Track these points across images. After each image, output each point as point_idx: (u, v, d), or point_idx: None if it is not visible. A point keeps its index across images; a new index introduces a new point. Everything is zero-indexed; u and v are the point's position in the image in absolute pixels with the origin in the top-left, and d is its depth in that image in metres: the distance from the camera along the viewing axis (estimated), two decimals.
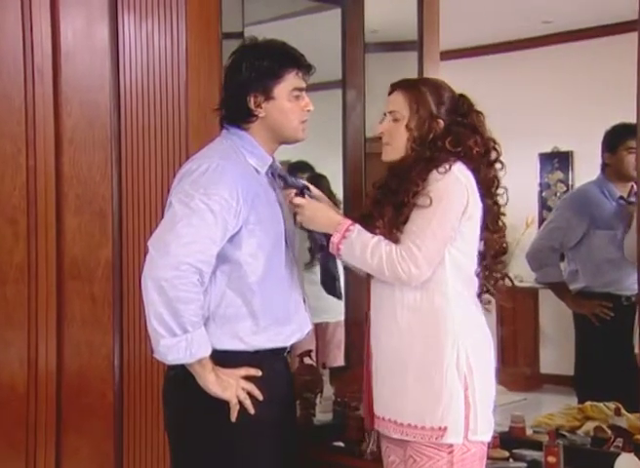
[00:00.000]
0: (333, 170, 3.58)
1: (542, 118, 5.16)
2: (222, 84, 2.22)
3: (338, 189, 3.62)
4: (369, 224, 2.12)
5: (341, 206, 3.29)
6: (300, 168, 3.55)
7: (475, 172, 2.06)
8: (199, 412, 2.05)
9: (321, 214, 2.12)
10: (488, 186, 2.10)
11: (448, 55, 3.55)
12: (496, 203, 2.11)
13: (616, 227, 3.65)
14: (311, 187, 2.22)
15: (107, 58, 2.88)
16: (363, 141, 3.23)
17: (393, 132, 2.13)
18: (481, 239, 2.09)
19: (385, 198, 2.09)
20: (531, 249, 3.70)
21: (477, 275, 2.12)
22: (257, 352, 2.08)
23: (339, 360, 3.56)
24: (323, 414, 3.01)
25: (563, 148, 5.25)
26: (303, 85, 2.14)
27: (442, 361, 2.01)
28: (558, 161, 5.46)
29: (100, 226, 2.89)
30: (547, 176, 5.50)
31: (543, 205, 5.45)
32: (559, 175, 5.50)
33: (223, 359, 2.03)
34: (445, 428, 1.99)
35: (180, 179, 2.06)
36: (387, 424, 2.09)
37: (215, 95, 2.72)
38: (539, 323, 5.13)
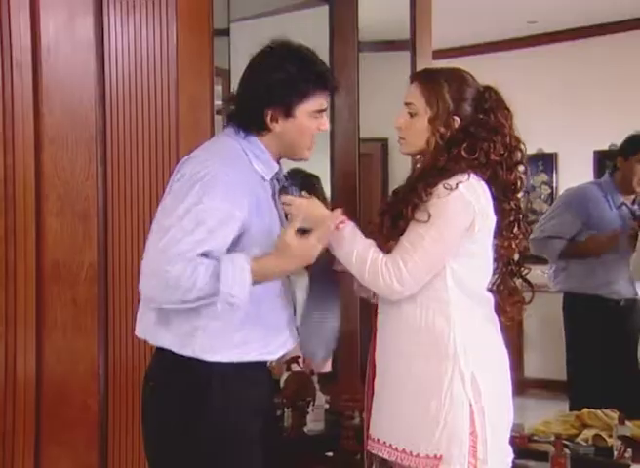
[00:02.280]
0: (320, 171, 3.50)
1: (527, 119, 5.11)
2: (241, 81, 2.03)
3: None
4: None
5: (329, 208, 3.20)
6: (291, 173, 3.46)
7: (492, 177, 1.98)
8: (178, 424, 1.93)
9: (313, 207, 2.01)
10: (505, 190, 2.01)
11: (432, 55, 3.49)
12: (514, 207, 2.02)
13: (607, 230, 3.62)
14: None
15: (92, 52, 2.76)
16: (357, 142, 3.14)
17: (409, 126, 2.05)
18: (493, 245, 2.01)
19: (391, 206, 2.01)
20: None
21: (491, 290, 2.03)
22: (240, 363, 1.96)
23: (325, 367, 3.47)
24: (314, 424, 2.93)
25: (547, 150, 5.22)
26: (326, 106, 2.01)
27: (440, 386, 1.92)
28: (543, 163, 5.43)
29: (84, 228, 2.76)
30: (532, 179, 5.47)
31: (528, 207, 5.42)
32: (544, 177, 5.48)
33: (205, 370, 1.92)
34: (440, 457, 1.90)
35: (177, 181, 1.92)
36: (381, 447, 2.02)
37: (206, 92, 2.63)
38: (523, 327, 5.10)
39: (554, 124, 4.93)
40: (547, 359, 4.86)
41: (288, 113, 1.95)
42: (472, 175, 1.95)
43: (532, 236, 3.66)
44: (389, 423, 2.00)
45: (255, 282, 1.84)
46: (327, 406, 2.99)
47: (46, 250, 2.85)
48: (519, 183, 2.03)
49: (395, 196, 2.08)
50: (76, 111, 2.81)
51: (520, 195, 2.04)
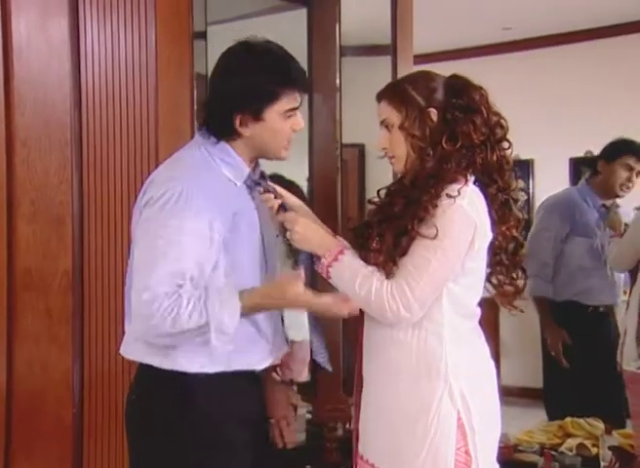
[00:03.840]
0: (299, 177, 3.45)
1: None
2: (208, 86, 1.97)
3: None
4: (363, 238, 1.99)
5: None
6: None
7: (481, 163, 1.90)
8: (165, 436, 1.88)
9: (312, 233, 1.94)
10: (490, 172, 1.92)
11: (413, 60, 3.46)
12: (501, 189, 1.93)
13: (594, 236, 3.62)
14: (288, 195, 2.03)
15: (66, 53, 2.67)
16: (340, 147, 3.08)
17: (391, 141, 1.98)
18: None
19: (388, 220, 1.92)
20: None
21: (480, 304, 1.97)
22: (224, 374, 1.90)
23: (303, 375, 3.41)
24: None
25: (523, 156, 5.20)
26: (297, 104, 1.92)
27: (429, 407, 1.85)
28: (519, 169, 5.41)
29: (58, 234, 2.67)
30: None
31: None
32: (520, 183, 5.45)
33: (188, 382, 1.86)
34: None
35: (144, 208, 1.85)
36: (365, 465, 1.95)
37: (186, 95, 2.56)
38: (499, 334, 5.08)
39: (530, 130, 4.89)
40: (524, 366, 4.85)
41: (257, 117, 1.88)
42: (469, 183, 1.89)
43: (527, 253, 3.60)
44: (373, 441, 1.94)
45: (244, 312, 1.82)
46: (308, 416, 2.93)
47: (18, 256, 2.76)
48: (504, 162, 1.94)
49: (385, 209, 2.01)
50: (50, 113, 2.73)
51: (507, 176, 1.94)
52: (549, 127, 5.16)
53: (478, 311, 1.97)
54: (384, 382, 1.92)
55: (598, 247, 3.62)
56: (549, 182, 4.77)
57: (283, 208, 1.99)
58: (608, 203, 3.66)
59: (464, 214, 1.84)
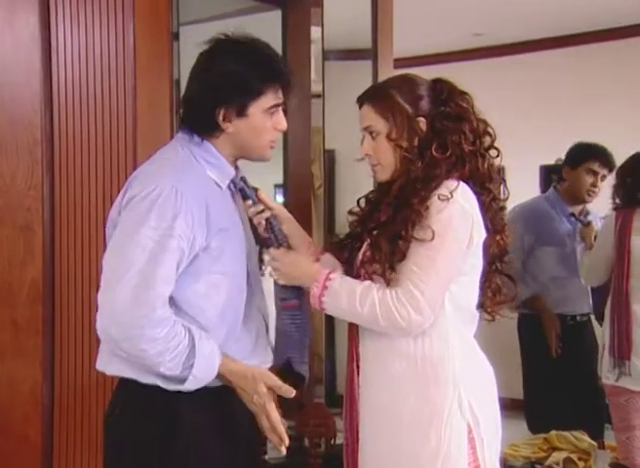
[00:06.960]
0: (267, 183, 3.36)
1: None
2: (188, 82, 1.87)
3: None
4: (348, 251, 1.90)
5: None
6: None
7: (472, 172, 1.83)
8: (145, 457, 1.76)
9: (295, 266, 1.86)
10: (482, 181, 1.85)
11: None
12: (494, 198, 1.87)
13: (563, 245, 3.59)
14: (278, 207, 1.93)
15: (37, 49, 2.54)
16: (323, 153, 3.00)
17: (377, 149, 1.88)
18: (483, 244, 1.86)
19: (379, 228, 1.83)
20: None
21: (478, 308, 1.90)
22: (208, 389, 1.78)
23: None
24: (276, 451, 2.73)
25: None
26: (281, 101, 1.84)
27: (440, 415, 1.78)
28: None
29: (26, 242, 2.53)
30: None
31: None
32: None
33: (171, 399, 1.74)
34: None
35: (126, 206, 1.75)
36: None
37: (166, 96, 2.45)
38: None
39: (501, 137, 4.88)
40: (501, 377, 4.81)
41: (241, 112, 1.80)
42: (461, 182, 1.82)
43: None
44: (383, 460, 1.85)
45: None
46: (290, 431, 2.82)
47: None
48: (493, 171, 1.88)
49: (373, 207, 1.93)
50: (17, 113, 2.59)
51: (498, 185, 1.88)
52: (520, 134, 5.13)
53: (477, 315, 1.91)
54: (389, 397, 1.83)
55: (570, 256, 3.58)
56: (520, 190, 4.72)
57: (270, 224, 1.89)
58: (577, 211, 3.63)
59: (461, 208, 1.78)
